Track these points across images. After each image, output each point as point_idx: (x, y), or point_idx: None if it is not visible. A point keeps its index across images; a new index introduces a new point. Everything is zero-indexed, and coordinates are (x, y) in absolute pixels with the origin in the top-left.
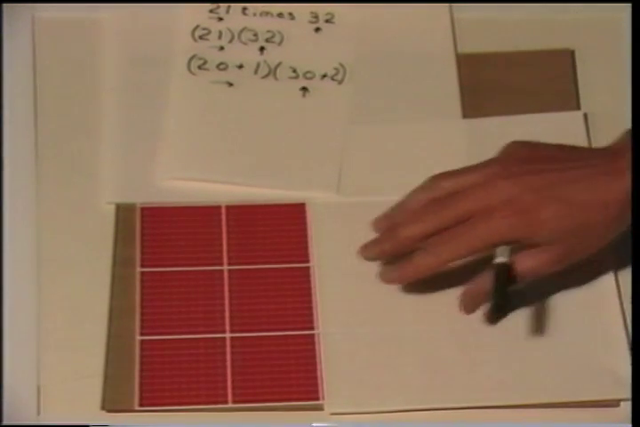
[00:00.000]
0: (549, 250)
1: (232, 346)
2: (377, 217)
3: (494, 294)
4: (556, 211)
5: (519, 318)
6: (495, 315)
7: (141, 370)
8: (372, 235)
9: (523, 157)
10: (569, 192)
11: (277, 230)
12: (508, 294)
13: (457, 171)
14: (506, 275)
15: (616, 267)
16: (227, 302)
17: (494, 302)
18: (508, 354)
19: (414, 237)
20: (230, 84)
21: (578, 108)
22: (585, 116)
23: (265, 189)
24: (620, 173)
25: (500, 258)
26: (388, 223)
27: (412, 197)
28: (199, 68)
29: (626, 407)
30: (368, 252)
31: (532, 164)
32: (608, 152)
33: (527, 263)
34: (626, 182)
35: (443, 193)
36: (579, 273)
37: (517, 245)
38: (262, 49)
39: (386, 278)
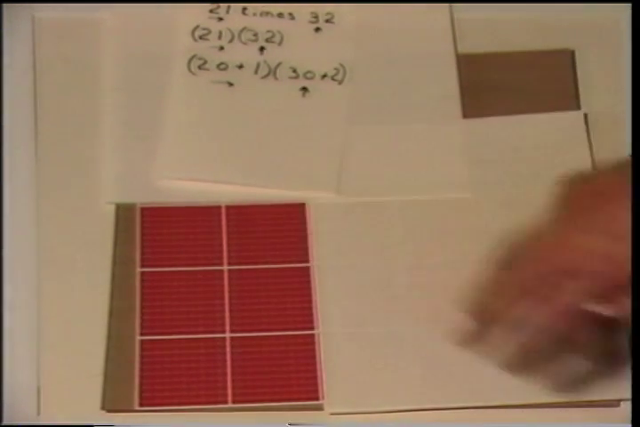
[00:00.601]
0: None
1: (232, 346)
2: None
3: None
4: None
5: None
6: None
7: (141, 370)
8: (371, 233)
9: (586, 193)
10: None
11: (277, 230)
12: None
13: (534, 231)
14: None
15: None
16: (227, 302)
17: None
18: None
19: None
20: (230, 84)
21: (578, 108)
22: (585, 116)
23: (265, 189)
24: None
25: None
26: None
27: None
28: (199, 68)
29: (626, 407)
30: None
31: (600, 200)
32: None
33: (624, 308)
34: None
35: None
36: None
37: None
38: (262, 49)
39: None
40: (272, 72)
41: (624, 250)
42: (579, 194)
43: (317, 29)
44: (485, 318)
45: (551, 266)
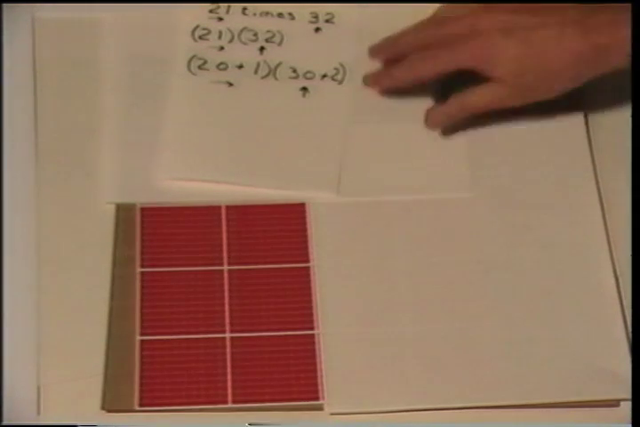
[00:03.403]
0: (504, 85)
1: (232, 346)
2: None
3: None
4: (517, 51)
5: (519, 318)
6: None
7: (141, 370)
8: (371, 233)
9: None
10: (534, 37)
11: (277, 230)
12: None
13: (463, 4)
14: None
15: (616, 267)
16: (227, 301)
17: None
18: (508, 354)
19: (400, 43)
20: (230, 84)
21: (578, 108)
22: (585, 116)
23: (265, 189)
24: (591, 28)
25: None
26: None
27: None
28: (199, 68)
29: (626, 407)
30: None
31: (518, 8)
32: (591, 7)
33: (482, 93)
34: (593, 38)
35: (439, 17)
36: (579, 273)
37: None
38: (262, 49)
39: (365, 81)
40: (272, 72)
41: (511, 50)
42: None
43: (317, 29)
44: (390, 58)
45: (443, 32)
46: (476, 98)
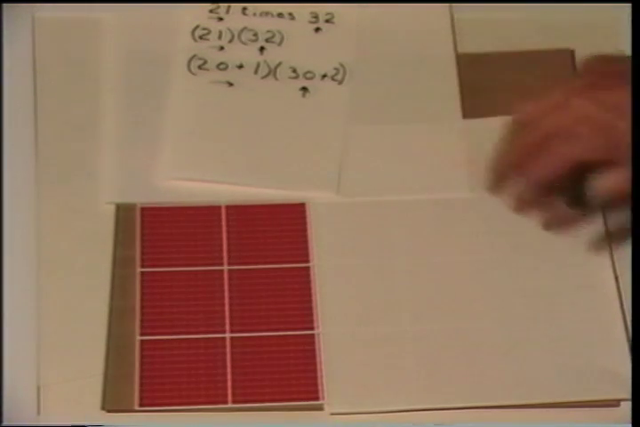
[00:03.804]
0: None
1: (232, 346)
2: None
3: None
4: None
5: (519, 318)
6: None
7: (141, 370)
8: (371, 233)
9: (599, 72)
10: None
11: (277, 230)
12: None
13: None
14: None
15: (616, 267)
16: (227, 301)
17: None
18: (508, 354)
19: (513, 163)
20: (230, 84)
21: None
22: None
23: (265, 189)
24: None
25: None
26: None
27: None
28: (199, 68)
29: (626, 407)
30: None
31: (608, 79)
32: None
33: (611, 181)
34: None
35: (527, 117)
36: (579, 273)
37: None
38: (262, 49)
39: (515, 210)
40: (272, 72)
41: (623, 126)
42: (592, 71)
43: (317, 29)
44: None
45: (546, 127)
46: (611, 185)
